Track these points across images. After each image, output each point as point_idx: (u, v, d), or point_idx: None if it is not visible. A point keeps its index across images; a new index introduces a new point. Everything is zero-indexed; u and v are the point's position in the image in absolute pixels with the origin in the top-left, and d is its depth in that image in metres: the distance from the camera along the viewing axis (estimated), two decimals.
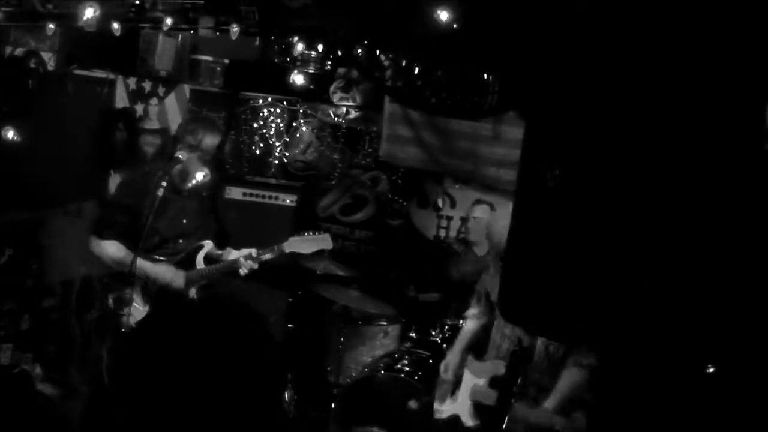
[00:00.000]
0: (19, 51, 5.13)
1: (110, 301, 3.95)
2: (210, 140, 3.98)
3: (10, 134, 4.89)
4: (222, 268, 4.07)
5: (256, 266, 4.04)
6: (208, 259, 4.11)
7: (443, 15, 3.44)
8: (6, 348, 4.99)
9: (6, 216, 5.01)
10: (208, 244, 4.13)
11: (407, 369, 4.37)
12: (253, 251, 4.04)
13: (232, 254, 4.13)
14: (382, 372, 4.37)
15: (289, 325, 5.28)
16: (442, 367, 3.93)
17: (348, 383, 4.52)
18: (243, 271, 4.02)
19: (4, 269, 5.06)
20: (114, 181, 5.80)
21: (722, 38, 1.26)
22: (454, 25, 3.44)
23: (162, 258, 4.02)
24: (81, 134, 5.45)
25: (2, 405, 3.87)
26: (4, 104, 4.93)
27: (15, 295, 5.17)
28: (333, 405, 4.51)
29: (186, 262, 4.05)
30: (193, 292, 4.04)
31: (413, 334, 4.79)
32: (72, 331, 5.52)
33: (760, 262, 1.27)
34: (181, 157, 3.89)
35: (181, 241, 4.07)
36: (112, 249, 3.95)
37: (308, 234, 4.24)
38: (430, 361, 4.46)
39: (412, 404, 4.27)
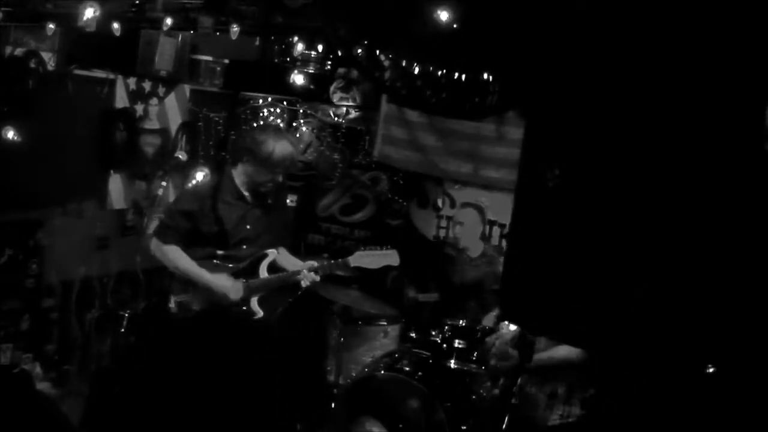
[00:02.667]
0: (19, 51, 5.12)
1: (172, 305, 3.93)
2: (281, 151, 3.89)
3: (10, 134, 4.89)
4: (284, 278, 4.01)
5: (318, 279, 3.98)
6: (272, 268, 4.03)
7: (443, 15, 3.43)
8: (6, 348, 4.99)
9: (6, 216, 5.00)
10: (273, 254, 4.04)
11: (407, 369, 4.37)
12: (317, 263, 3.99)
13: (296, 265, 4.07)
14: (382, 372, 4.36)
15: (289, 325, 5.27)
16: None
17: (348, 383, 4.52)
18: (305, 283, 3.94)
19: (4, 269, 5.06)
20: (114, 181, 5.81)
21: (722, 38, 1.26)
22: (454, 25, 3.44)
23: (228, 264, 3.97)
24: (81, 134, 5.44)
25: (2, 405, 3.87)
26: (4, 104, 4.92)
27: (15, 295, 5.17)
28: (333, 405, 4.50)
29: (249, 270, 3.98)
30: (254, 302, 3.99)
31: (413, 334, 4.78)
32: (72, 331, 5.54)
33: (760, 262, 1.27)
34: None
35: (244, 247, 4.00)
36: (174, 254, 3.92)
37: (375, 249, 4.16)
38: (430, 361, 4.45)
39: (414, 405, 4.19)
